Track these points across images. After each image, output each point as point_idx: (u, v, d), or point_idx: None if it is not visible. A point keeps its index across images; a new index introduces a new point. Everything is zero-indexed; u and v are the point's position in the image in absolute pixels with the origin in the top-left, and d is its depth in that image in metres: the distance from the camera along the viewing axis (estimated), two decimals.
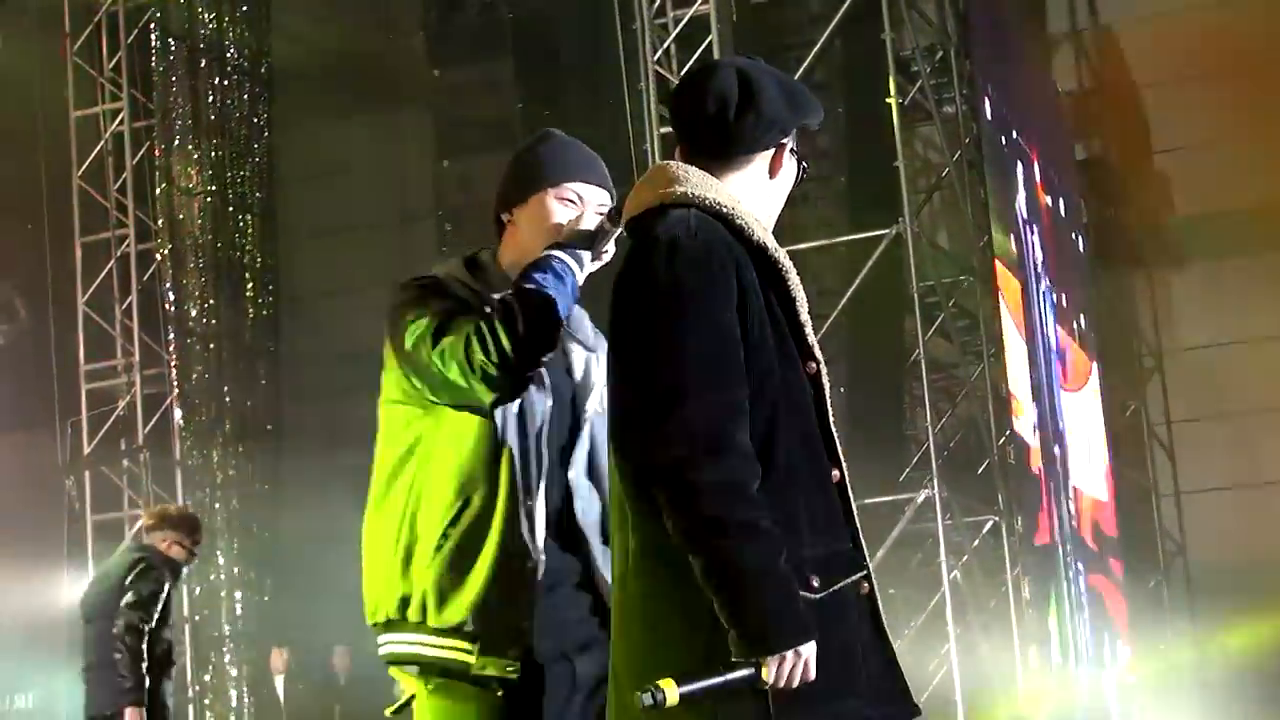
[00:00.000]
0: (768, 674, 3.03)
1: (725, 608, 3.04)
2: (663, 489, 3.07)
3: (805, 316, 3.30)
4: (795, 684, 3.06)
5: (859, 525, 3.41)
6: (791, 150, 3.43)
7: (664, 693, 3.00)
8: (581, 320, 3.90)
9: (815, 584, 3.16)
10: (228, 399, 12.80)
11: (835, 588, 3.21)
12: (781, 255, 3.30)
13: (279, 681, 12.78)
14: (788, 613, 3.03)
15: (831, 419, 3.33)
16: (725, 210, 3.25)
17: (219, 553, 12.54)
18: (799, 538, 3.16)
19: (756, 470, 3.08)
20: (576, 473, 3.81)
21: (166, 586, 8.35)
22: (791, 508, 3.16)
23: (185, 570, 8.82)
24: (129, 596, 8.21)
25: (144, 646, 8.22)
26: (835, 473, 3.30)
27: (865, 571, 3.31)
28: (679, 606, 3.15)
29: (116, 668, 8.15)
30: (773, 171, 3.41)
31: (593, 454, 3.84)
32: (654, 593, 3.21)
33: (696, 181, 3.29)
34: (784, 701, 3.08)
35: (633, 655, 3.24)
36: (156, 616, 8.28)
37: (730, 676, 3.04)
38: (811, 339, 3.30)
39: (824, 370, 3.33)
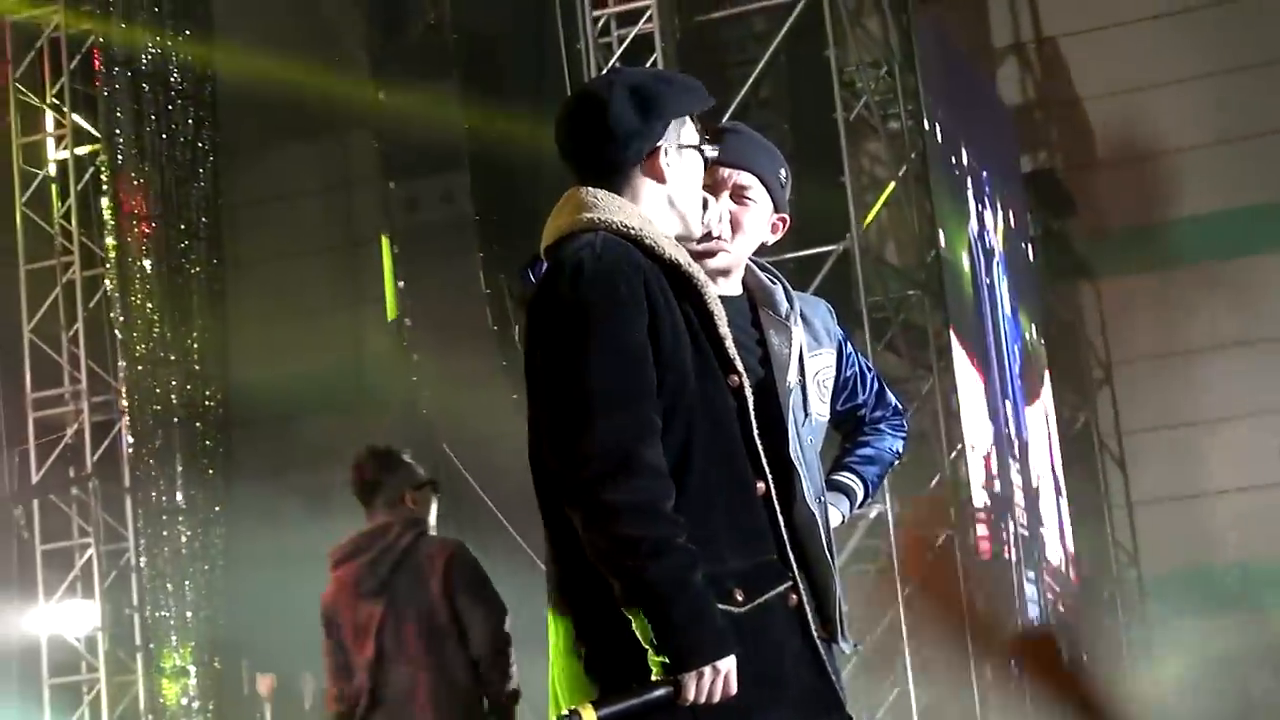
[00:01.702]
0: (686, 691, 3.01)
1: (642, 626, 3.01)
2: (577, 510, 3.05)
3: (724, 330, 3.28)
4: (715, 699, 3.03)
5: (789, 538, 3.41)
6: (682, 146, 3.37)
7: (581, 716, 2.98)
8: (773, 292, 3.70)
9: (739, 597, 3.15)
10: (177, 425, 12.70)
11: (760, 600, 3.19)
12: (695, 270, 3.27)
13: (268, 710, 12.40)
14: (704, 628, 3.00)
15: (756, 432, 3.31)
16: (634, 231, 3.23)
17: (169, 582, 12.44)
18: (720, 552, 3.14)
19: (669, 488, 3.06)
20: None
21: None
22: (711, 522, 3.14)
23: None
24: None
25: None
26: (760, 485, 3.28)
27: (792, 583, 3.29)
28: (600, 627, 3.13)
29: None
30: (657, 177, 3.35)
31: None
32: (576, 615, 3.20)
33: (605, 205, 3.27)
34: (710, 717, 3.06)
35: (561, 678, 3.23)
36: None
37: (648, 696, 3.01)
38: (732, 353, 3.28)
39: (747, 384, 3.31)
